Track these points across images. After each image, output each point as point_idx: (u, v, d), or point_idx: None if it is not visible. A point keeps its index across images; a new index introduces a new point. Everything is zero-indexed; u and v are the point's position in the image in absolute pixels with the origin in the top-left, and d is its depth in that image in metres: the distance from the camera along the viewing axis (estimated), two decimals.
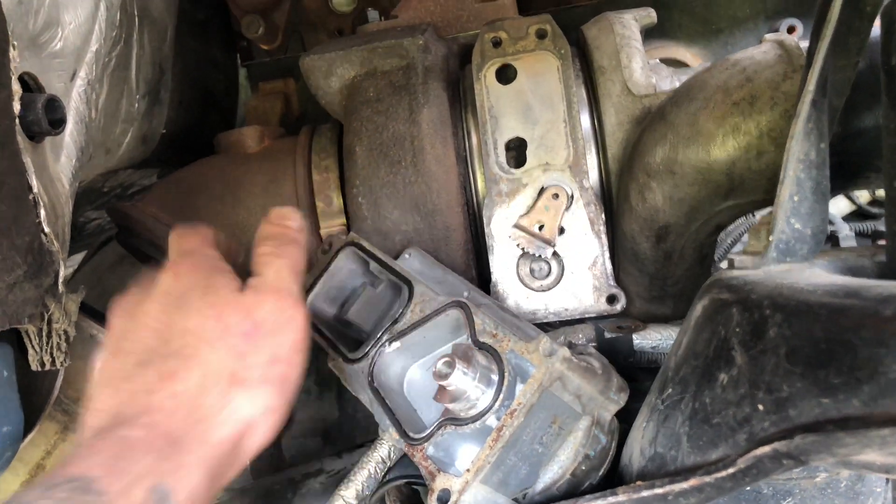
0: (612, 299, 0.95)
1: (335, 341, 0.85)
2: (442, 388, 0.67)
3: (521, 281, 0.96)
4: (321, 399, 1.37)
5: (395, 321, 0.80)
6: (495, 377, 0.67)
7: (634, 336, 0.84)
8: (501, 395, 0.66)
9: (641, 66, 0.95)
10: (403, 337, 0.79)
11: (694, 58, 1.34)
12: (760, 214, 0.70)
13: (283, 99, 1.46)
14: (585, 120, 0.97)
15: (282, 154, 1.10)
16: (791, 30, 1.31)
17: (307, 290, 0.89)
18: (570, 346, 0.71)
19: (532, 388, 0.64)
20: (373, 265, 0.87)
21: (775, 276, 0.55)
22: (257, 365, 0.58)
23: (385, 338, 0.80)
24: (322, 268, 0.91)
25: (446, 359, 0.67)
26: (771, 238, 0.60)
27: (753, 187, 0.79)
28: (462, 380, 0.66)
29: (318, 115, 1.28)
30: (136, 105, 1.00)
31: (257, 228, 0.70)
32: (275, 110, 1.46)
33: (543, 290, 0.96)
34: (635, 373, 0.93)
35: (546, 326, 0.96)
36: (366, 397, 0.79)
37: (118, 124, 0.96)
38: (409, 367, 0.81)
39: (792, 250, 0.58)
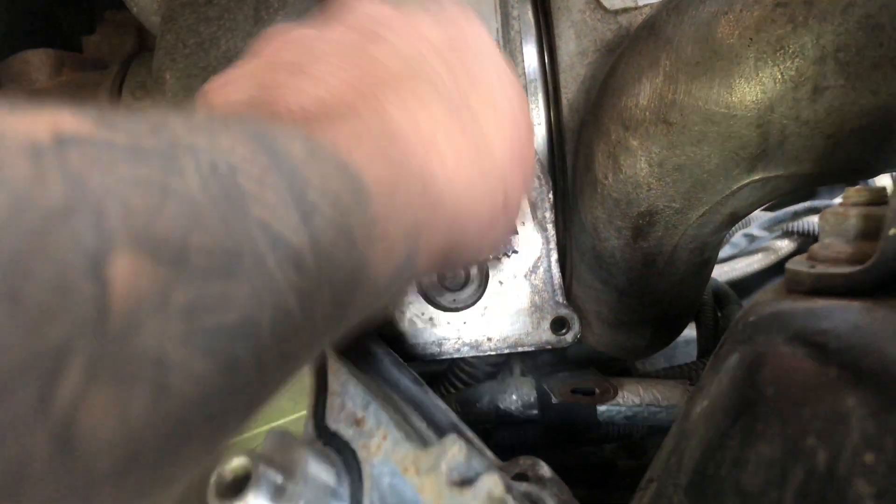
0: (559, 325, 0.61)
1: None
2: None
3: (423, 292, 0.62)
4: None
5: None
6: None
7: (600, 406, 0.51)
8: None
9: None
10: None
11: None
12: (842, 197, 0.37)
13: (135, 35, 1.10)
14: (531, 49, 0.64)
15: (83, 91, 0.75)
16: None
17: None
18: (521, 476, 0.37)
19: None
20: None
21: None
22: None
23: None
24: None
25: (240, 461, 0.32)
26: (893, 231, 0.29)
27: (801, 150, 0.47)
28: None
29: None
30: None
31: None
32: (124, 50, 1.10)
33: (456, 308, 0.62)
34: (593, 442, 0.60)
35: (460, 373, 0.62)
36: None
37: None
38: None
39: None
